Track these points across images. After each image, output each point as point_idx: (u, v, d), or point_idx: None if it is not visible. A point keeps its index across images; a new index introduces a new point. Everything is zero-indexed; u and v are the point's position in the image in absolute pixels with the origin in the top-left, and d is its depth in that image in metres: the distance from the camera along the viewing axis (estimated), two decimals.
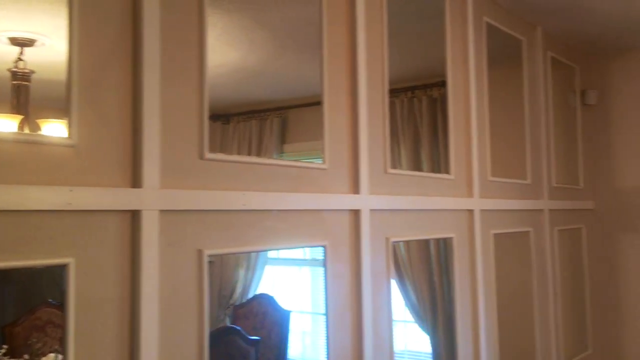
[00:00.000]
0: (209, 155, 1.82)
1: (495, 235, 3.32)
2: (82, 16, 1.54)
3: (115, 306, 1.57)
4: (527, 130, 3.74)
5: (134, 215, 1.61)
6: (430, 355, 3.27)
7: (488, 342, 3.18)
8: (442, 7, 3.02)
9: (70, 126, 1.51)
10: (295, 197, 2.11)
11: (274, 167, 2.08)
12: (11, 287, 1.59)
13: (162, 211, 1.66)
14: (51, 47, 1.57)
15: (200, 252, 1.78)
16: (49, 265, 1.46)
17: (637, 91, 4.36)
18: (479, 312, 3.10)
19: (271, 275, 2.82)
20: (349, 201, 2.35)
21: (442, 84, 3.04)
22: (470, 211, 3.11)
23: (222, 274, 2.62)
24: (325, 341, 2.25)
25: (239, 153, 2.45)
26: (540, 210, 3.80)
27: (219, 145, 2.00)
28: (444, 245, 3.02)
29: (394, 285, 2.62)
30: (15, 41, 1.54)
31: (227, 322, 2.72)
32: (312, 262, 2.67)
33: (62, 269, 1.46)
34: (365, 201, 2.40)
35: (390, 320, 2.53)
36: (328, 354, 2.24)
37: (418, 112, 3.09)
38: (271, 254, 2.67)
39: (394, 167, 2.63)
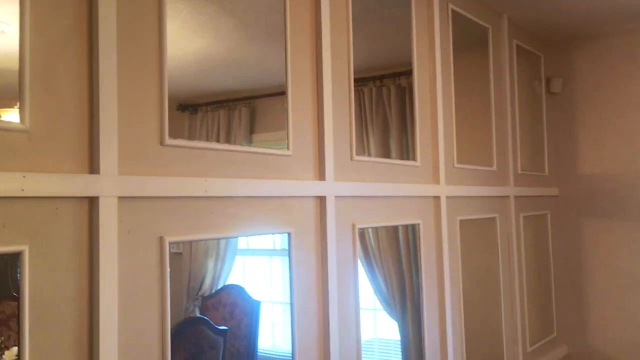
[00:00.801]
0: (169, 141, 1.79)
1: (462, 221, 3.35)
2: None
3: (72, 295, 1.54)
4: (493, 117, 3.78)
5: (92, 202, 1.58)
6: (399, 343, 3.29)
7: (454, 327, 3.22)
8: None
9: (22, 111, 1.47)
10: (259, 184, 2.10)
11: (237, 154, 2.06)
12: None
13: (121, 198, 1.63)
14: (10, 35, 1.52)
15: (161, 239, 1.75)
16: (1, 253, 1.42)
17: (600, 79, 4.44)
18: (446, 298, 3.13)
19: (241, 265, 2.80)
20: (314, 188, 2.35)
21: (411, 73, 3.05)
22: (437, 198, 3.13)
23: (191, 266, 2.59)
24: (291, 330, 2.24)
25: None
26: (506, 197, 3.85)
27: (187, 135, 1.97)
28: (412, 233, 3.04)
29: (362, 272, 2.63)
30: None
31: (197, 314, 2.69)
32: (282, 252, 2.67)
33: (17, 257, 1.43)
34: (331, 188, 2.40)
35: (357, 308, 2.53)
36: (293, 342, 2.23)
37: (387, 100, 3.09)
38: (241, 244, 2.65)
39: (361, 154, 2.63)
